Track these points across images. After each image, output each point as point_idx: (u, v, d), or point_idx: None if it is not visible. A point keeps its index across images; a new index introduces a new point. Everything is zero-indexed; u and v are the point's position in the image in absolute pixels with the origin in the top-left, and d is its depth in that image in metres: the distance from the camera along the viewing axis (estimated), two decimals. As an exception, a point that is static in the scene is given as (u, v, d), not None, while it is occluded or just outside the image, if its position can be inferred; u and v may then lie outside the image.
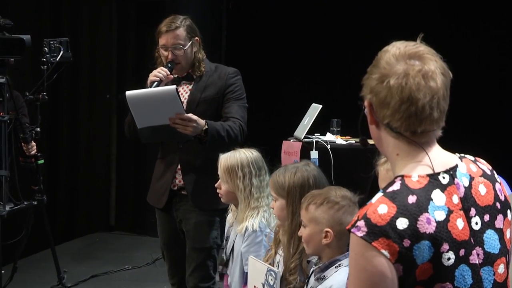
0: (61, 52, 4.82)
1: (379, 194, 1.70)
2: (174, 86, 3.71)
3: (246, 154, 3.54)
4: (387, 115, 1.73)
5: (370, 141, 1.87)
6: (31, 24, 6.56)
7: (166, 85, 3.90)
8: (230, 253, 3.53)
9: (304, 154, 5.14)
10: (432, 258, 1.65)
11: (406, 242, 1.63)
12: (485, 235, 1.74)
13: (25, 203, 4.83)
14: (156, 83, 3.86)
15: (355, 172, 4.41)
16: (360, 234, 1.65)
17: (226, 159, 3.55)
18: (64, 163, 7.48)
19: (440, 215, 1.68)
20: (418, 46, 1.75)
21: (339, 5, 7.52)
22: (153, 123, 3.74)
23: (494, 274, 1.75)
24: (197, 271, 4.03)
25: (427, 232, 1.65)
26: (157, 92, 3.73)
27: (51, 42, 4.82)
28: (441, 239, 1.66)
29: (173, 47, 3.94)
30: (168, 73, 3.91)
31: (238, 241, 3.46)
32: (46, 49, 4.79)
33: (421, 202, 1.67)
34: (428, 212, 1.66)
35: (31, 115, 4.95)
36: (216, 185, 3.62)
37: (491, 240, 1.75)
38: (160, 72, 3.89)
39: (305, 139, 5.27)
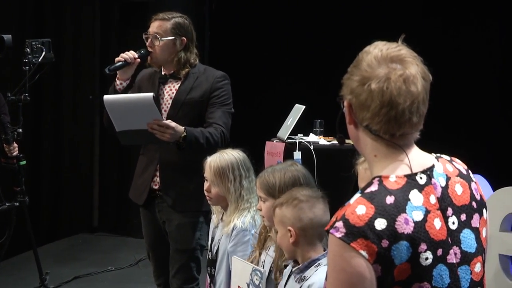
0: (43, 53, 4.81)
1: (357, 195, 1.71)
2: (151, 94, 3.70)
3: (234, 156, 3.52)
4: (366, 117, 1.73)
5: (348, 140, 1.88)
6: (14, 25, 6.53)
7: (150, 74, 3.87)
8: (215, 253, 3.53)
9: (287, 154, 5.15)
10: (410, 258, 1.66)
11: (385, 243, 1.64)
12: (461, 234, 1.76)
13: (7, 204, 4.82)
14: (120, 63, 3.90)
15: (338, 172, 4.42)
16: (338, 235, 1.65)
17: (215, 162, 3.51)
18: (47, 164, 7.45)
19: (418, 215, 1.69)
20: (400, 49, 1.75)
21: (322, 6, 7.54)
22: (131, 127, 3.73)
23: (471, 273, 1.77)
24: (180, 273, 4.02)
25: (405, 233, 1.66)
26: (134, 98, 3.73)
27: (33, 43, 4.80)
28: (419, 239, 1.67)
29: (153, 35, 3.95)
30: (136, 56, 3.92)
31: (224, 241, 3.45)
32: (28, 49, 4.77)
33: (399, 202, 1.68)
34: (406, 212, 1.67)
35: (14, 116, 4.93)
36: (205, 188, 3.59)
37: (467, 240, 1.77)
38: (127, 54, 3.92)
39: (288, 140, 5.28)
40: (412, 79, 1.71)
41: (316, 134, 5.50)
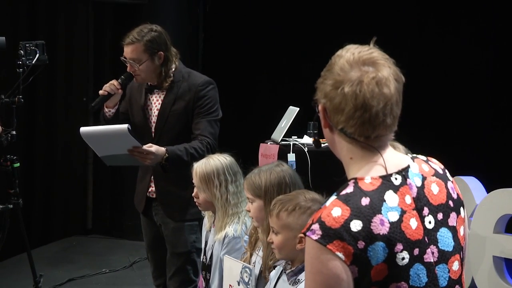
0: (37, 55, 4.79)
1: (333, 197, 1.73)
2: (126, 126, 3.68)
3: (220, 161, 3.52)
4: (341, 120, 1.75)
5: (324, 142, 1.89)
6: (7, 27, 6.51)
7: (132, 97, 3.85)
8: (210, 258, 3.54)
9: (282, 156, 5.16)
10: (387, 258, 1.67)
11: (361, 244, 1.65)
12: (438, 233, 1.77)
13: (1, 206, 4.80)
14: (104, 96, 3.93)
15: (332, 174, 4.43)
16: (315, 237, 1.66)
17: (201, 167, 3.51)
18: (40, 166, 7.43)
19: (393, 216, 1.70)
20: (371, 52, 1.77)
21: (316, 8, 7.54)
22: (112, 152, 3.76)
23: (449, 271, 1.78)
24: (177, 275, 4.05)
25: (381, 233, 1.67)
26: (109, 130, 3.74)
27: (27, 45, 4.79)
28: (395, 239, 1.68)
29: (130, 60, 3.93)
30: (119, 87, 3.93)
31: (217, 247, 3.45)
32: (22, 52, 4.76)
33: (374, 203, 1.69)
34: (381, 213, 1.69)
35: (7, 118, 4.91)
36: (193, 194, 3.59)
37: (444, 238, 1.78)
38: (109, 85, 3.92)
39: (282, 142, 5.28)
40: (385, 81, 1.73)
41: (310, 136, 5.51)
